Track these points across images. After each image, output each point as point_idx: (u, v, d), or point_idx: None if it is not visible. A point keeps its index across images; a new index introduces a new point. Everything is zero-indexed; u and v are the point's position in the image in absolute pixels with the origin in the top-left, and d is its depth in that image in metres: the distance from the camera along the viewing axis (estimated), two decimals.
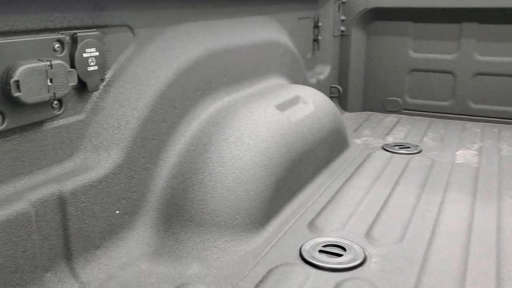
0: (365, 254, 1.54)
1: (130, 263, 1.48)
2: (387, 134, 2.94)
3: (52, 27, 1.28)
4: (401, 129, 3.04)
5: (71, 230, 1.34)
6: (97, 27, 1.42)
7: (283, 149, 1.84)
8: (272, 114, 1.92)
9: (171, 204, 1.62)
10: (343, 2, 3.37)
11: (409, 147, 2.64)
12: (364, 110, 3.56)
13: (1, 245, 1.14)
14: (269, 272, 1.45)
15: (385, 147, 2.64)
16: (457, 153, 2.55)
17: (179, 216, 1.60)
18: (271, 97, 2.09)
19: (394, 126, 3.13)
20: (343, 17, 3.40)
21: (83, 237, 1.38)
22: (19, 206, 1.19)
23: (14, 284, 1.19)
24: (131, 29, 1.56)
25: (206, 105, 1.87)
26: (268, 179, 1.73)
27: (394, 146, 2.66)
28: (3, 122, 1.15)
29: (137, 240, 1.55)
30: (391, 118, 3.34)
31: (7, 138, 1.20)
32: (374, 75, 3.47)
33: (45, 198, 1.26)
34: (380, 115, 3.43)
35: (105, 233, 1.46)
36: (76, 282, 1.35)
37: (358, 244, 1.60)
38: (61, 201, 1.30)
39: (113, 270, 1.44)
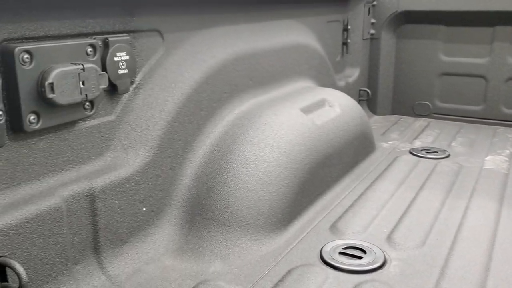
0: (385, 257, 1.55)
1: (155, 259, 1.54)
2: (415, 138, 2.93)
3: (85, 32, 1.35)
4: (430, 134, 3.02)
5: (100, 225, 1.40)
6: (128, 32, 1.49)
7: (306, 151, 1.87)
8: (297, 116, 1.95)
9: (195, 203, 1.67)
10: (373, 5, 3.37)
11: (436, 152, 2.62)
12: (393, 113, 3.55)
13: (34, 238, 1.22)
14: (289, 272, 1.48)
15: (412, 151, 2.63)
16: (486, 158, 2.52)
17: (203, 214, 1.65)
18: (297, 100, 2.12)
19: (423, 130, 3.10)
20: (373, 20, 3.40)
21: (111, 232, 1.44)
22: (52, 201, 1.26)
23: (45, 274, 1.26)
24: (160, 33, 1.62)
25: (232, 107, 1.91)
26: (291, 181, 1.76)
27: (422, 150, 2.65)
28: (38, 121, 1.22)
29: (163, 236, 1.61)
30: (420, 122, 3.31)
31: (41, 137, 1.27)
32: (404, 78, 3.45)
33: (76, 194, 1.33)
34: (409, 119, 3.40)
35: (132, 229, 1.52)
36: (104, 275, 1.41)
37: (378, 247, 1.61)
38: (91, 198, 1.37)
39: (139, 264, 1.50)
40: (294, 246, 1.64)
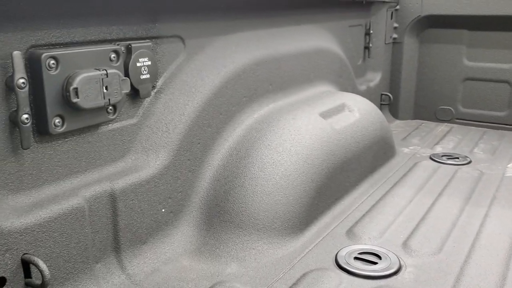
0: (400, 263, 1.56)
1: (173, 259, 1.58)
2: (436, 143, 2.91)
3: (109, 38, 1.39)
4: (452, 139, 2.99)
5: (120, 225, 1.45)
6: (150, 38, 1.53)
7: (324, 156, 1.89)
8: (316, 121, 1.97)
9: (213, 205, 1.71)
10: (396, 10, 3.36)
11: (457, 158, 2.60)
12: (415, 118, 3.53)
13: (57, 236, 1.27)
14: (304, 275, 1.50)
15: (432, 157, 2.62)
16: (508, 165, 2.49)
17: (221, 217, 1.68)
18: (316, 105, 2.14)
19: (445, 135, 3.08)
20: (395, 25, 3.39)
21: (131, 232, 1.49)
22: (75, 201, 1.31)
23: (67, 272, 1.31)
24: (182, 39, 1.66)
25: (251, 112, 1.94)
26: (308, 186, 1.78)
27: (442, 156, 2.63)
28: (62, 125, 1.27)
29: (181, 237, 1.65)
30: (442, 127, 3.29)
31: (66, 139, 1.32)
32: (427, 83, 3.43)
33: (98, 195, 1.38)
34: (431, 124, 3.38)
35: (151, 230, 1.56)
36: (123, 273, 1.46)
37: (394, 253, 1.62)
38: (112, 198, 1.42)
39: (157, 264, 1.54)
40: (310, 250, 1.66)
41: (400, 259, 1.59)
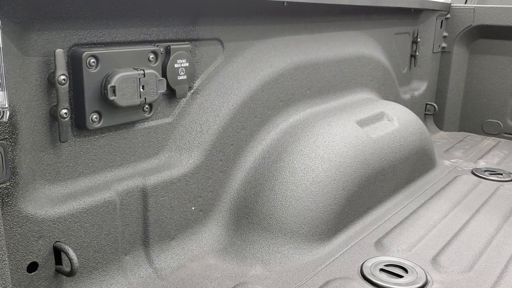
0: (426, 279, 1.53)
1: (200, 256, 1.61)
2: (480, 157, 2.82)
3: (148, 39, 1.44)
4: (497, 154, 2.89)
5: (150, 220, 1.50)
6: (189, 40, 1.57)
7: (358, 164, 1.87)
8: (351, 129, 1.96)
9: (242, 207, 1.73)
10: (447, 18, 3.27)
11: (501, 174, 2.51)
12: (460, 130, 3.43)
13: (89, 227, 1.33)
14: (327, 283, 1.50)
15: (474, 172, 2.54)
16: None
17: (249, 218, 1.70)
18: (354, 112, 2.12)
19: (490, 150, 2.98)
20: (445, 34, 3.31)
21: (160, 227, 1.53)
22: (107, 195, 1.36)
23: (96, 261, 1.37)
24: (221, 42, 1.70)
25: (287, 116, 1.95)
26: (338, 193, 1.77)
27: (485, 171, 2.55)
28: (99, 120, 1.32)
29: (209, 236, 1.68)
30: (489, 141, 3.18)
31: (103, 135, 1.38)
32: (474, 95, 3.33)
33: (130, 190, 1.43)
34: (477, 137, 3.28)
35: (180, 226, 1.60)
36: (150, 267, 1.50)
37: (421, 268, 1.59)
38: (144, 194, 1.46)
39: (184, 260, 1.58)
40: (336, 258, 1.65)
41: (428, 274, 1.56)
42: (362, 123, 2.06)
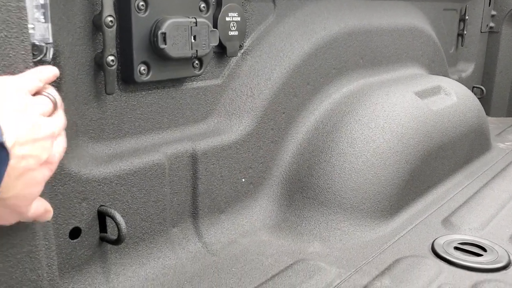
0: (509, 258, 1.36)
1: (252, 232, 1.46)
2: None
3: None
4: None
5: (200, 190, 1.35)
6: None
7: (420, 137, 1.70)
8: (411, 99, 1.79)
9: (295, 180, 1.58)
10: None
11: None
12: (509, 115, 3.22)
13: (136, 192, 1.19)
14: (397, 261, 1.34)
15: None
16: None
17: (303, 193, 1.55)
18: (410, 84, 1.95)
19: None
20: (493, 12, 3.11)
21: (210, 199, 1.39)
22: (155, 157, 1.22)
23: (143, 232, 1.23)
24: (273, 0, 1.55)
25: (340, 85, 1.79)
26: (401, 167, 1.60)
27: None
28: (148, 73, 1.19)
29: (260, 211, 1.53)
30: None
31: (150, 91, 1.24)
32: None
33: (179, 154, 1.28)
34: None
35: (230, 199, 1.46)
36: (200, 241, 1.36)
37: (501, 246, 1.42)
38: (193, 159, 1.32)
39: (235, 236, 1.43)
40: (402, 236, 1.49)
41: (509, 254, 1.38)
42: (420, 94, 1.89)
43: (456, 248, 1.41)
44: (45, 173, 0.75)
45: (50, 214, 0.83)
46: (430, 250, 1.40)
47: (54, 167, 0.77)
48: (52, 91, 0.81)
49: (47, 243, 0.90)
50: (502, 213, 1.67)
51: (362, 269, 1.30)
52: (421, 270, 1.29)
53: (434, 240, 1.45)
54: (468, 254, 1.38)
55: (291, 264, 1.31)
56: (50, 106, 0.79)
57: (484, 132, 2.27)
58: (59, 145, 0.79)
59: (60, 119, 0.80)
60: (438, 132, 1.80)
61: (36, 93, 0.78)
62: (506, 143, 2.57)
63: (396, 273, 1.27)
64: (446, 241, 1.44)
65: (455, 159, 1.97)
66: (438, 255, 1.37)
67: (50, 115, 0.79)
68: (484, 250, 1.40)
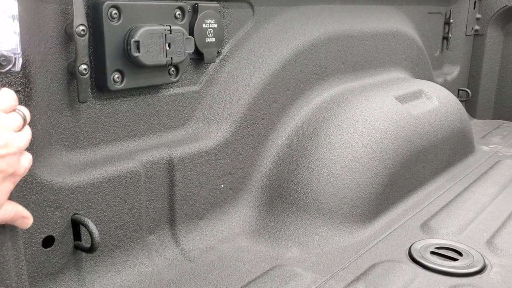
0: (484, 262, 1.37)
1: (231, 238, 1.47)
2: None
3: None
4: None
5: (177, 196, 1.35)
6: (218, 0, 1.43)
7: (400, 142, 1.71)
8: (391, 104, 1.80)
9: (275, 186, 1.58)
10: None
11: None
12: (494, 118, 3.24)
13: (110, 199, 1.19)
14: (373, 266, 1.35)
15: None
16: None
17: (283, 198, 1.55)
18: (392, 88, 1.97)
19: None
20: (478, 15, 3.13)
21: (187, 205, 1.39)
22: (130, 165, 1.23)
23: (118, 239, 1.23)
24: (251, 6, 1.56)
25: (320, 91, 1.80)
26: (380, 171, 1.61)
27: None
28: (122, 81, 1.19)
29: (239, 216, 1.54)
30: None
31: (125, 99, 1.25)
32: (510, 80, 3.14)
33: (155, 161, 1.29)
34: None
35: (209, 205, 1.46)
36: (177, 248, 1.36)
37: (477, 251, 1.43)
38: (170, 166, 1.32)
39: (213, 242, 1.43)
40: (380, 240, 1.50)
41: (485, 258, 1.39)
42: (401, 99, 1.90)
43: (432, 252, 1.42)
44: (8, 187, 0.76)
45: (28, 221, 0.84)
46: (407, 255, 1.42)
47: (17, 180, 0.78)
48: (22, 107, 0.82)
49: (15, 252, 0.90)
50: (481, 216, 1.68)
51: (338, 274, 1.31)
52: (396, 275, 1.30)
53: (412, 245, 1.46)
54: (444, 259, 1.39)
55: (268, 270, 1.31)
56: (20, 122, 0.80)
57: (467, 135, 2.28)
58: (26, 159, 0.80)
59: (27, 133, 0.81)
60: (418, 137, 1.82)
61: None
62: (490, 146, 2.59)
63: (371, 278, 1.28)
64: (423, 246, 1.45)
65: (437, 163, 1.98)
66: (414, 259, 1.38)
67: (19, 130, 0.80)
68: (460, 254, 1.41)
